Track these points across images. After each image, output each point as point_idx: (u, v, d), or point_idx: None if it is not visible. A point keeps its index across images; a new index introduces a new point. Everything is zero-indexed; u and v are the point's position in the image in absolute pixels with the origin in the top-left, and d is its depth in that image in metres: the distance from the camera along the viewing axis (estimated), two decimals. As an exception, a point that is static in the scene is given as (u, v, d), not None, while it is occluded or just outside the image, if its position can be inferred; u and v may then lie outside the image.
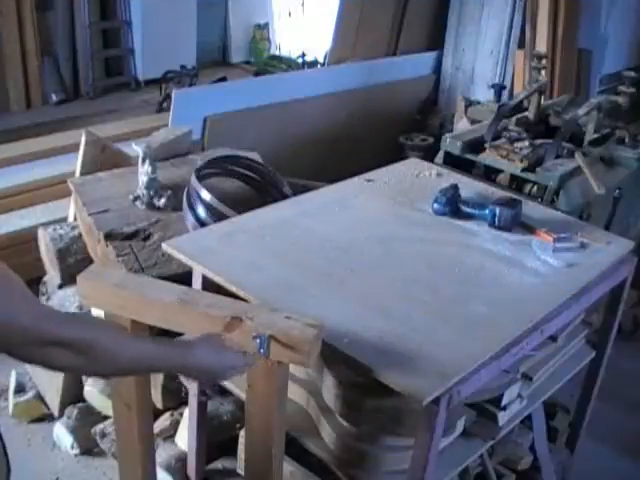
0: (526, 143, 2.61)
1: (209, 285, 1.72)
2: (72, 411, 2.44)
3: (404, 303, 1.61)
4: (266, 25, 6.84)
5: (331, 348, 1.45)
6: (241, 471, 1.86)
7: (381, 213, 2.05)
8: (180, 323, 1.48)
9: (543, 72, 3.05)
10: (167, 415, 2.27)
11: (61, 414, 2.48)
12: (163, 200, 2.46)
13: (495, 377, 1.58)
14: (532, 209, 2.12)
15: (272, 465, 1.51)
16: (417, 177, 2.32)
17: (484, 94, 4.41)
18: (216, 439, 2.14)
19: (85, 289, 1.53)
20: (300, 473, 1.77)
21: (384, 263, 1.78)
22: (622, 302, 2.01)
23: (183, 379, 2.04)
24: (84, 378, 2.45)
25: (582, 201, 2.50)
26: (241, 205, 2.14)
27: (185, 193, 2.33)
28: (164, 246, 1.82)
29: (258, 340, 1.35)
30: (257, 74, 5.72)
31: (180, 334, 1.94)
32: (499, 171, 2.62)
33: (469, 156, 2.66)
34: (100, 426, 2.35)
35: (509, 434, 1.93)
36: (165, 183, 2.52)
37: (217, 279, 1.68)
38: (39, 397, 2.57)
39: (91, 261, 2.42)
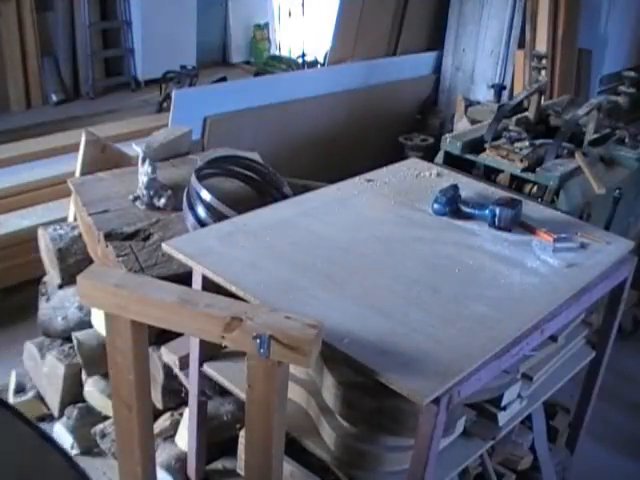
0: (526, 143, 2.61)
1: (209, 285, 1.72)
2: (72, 411, 2.44)
3: (404, 303, 1.61)
4: (266, 25, 6.84)
5: (331, 348, 1.45)
6: (241, 471, 1.86)
7: (381, 213, 2.05)
8: (180, 323, 1.48)
9: (543, 72, 3.06)
10: (167, 415, 2.27)
11: (61, 414, 2.48)
12: (163, 200, 2.46)
13: (495, 377, 1.58)
14: (532, 209, 2.12)
15: (272, 465, 1.51)
16: (417, 177, 2.32)
17: (484, 94, 4.42)
18: (216, 439, 2.14)
19: (85, 289, 1.53)
20: (300, 473, 1.77)
21: (384, 263, 1.78)
22: (622, 302, 2.00)
23: (184, 379, 2.05)
24: (84, 378, 2.46)
25: (582, 201, 2.50)
26: (241, 205, 2.14)
27: (185, 193, 2.33)
28: (164, 246, 1.82)
29: (258, 340, 1.35)
30: (257, 74, 5.72)
31: (180, 334, 1.95)
32: (499, 171, 2.62)
33: (469, 156, 2.66)
34: (100, 426, 2.35)
35: (509, 434, 1.93)
36: (165, 183, 2.52)
37: (217, 279, 1.68)
38: (39, 397, 2.57)
39: (91, 261, 2.42)
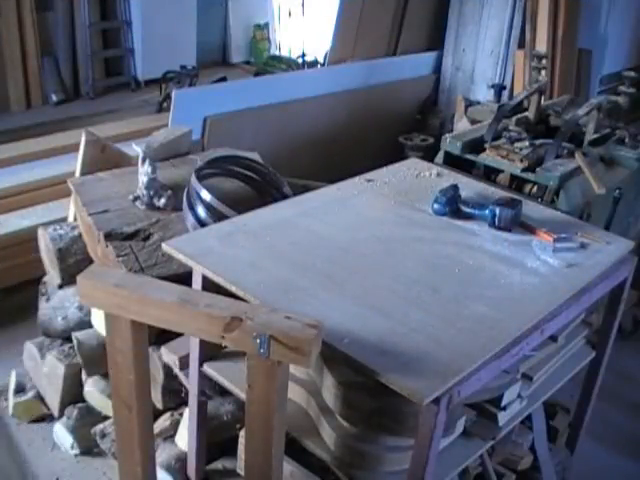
0: (526, 143, 2.61)
1: (209, 285, 1.72)
2: (72, 411, 2.44)
3: (404, 303, 1.61)
4: (266, 25, 6.84)
5: (331, 348, 1.45)
6: (241, 471, 1.86)
7: (381, 213, 2.05)
8: (180, 323, 1.48)
9: (543, 72, 3.05)
10: (167, 415, 2.27)
11: (61, 414, 2.48)
12: (163, 200, 2.46)
13: (495, 377, 1.58)
14: (532, 209, 2.12)
15: (272, 465, 1.51)
16: (417, 177, 2.33)
17: (484, 94, 4.41)
18: (216, 439, 2.14)
19: (85, 289, 1.53)
20: (300, 473, 1.77)
21: (384, 263, 1.78)
22: (622, 302, 2.00)
23: (184, 379, 2.05)
24: (84, 378, 2.45)
25: (582, 201, 2.50)
26: (241, 205, 2.14)
27: (185, 193, 2.33)
28: (164, 246, 1.82)
29: (258, 340, 1.35)
30: (257, 74, 5.72)
31: (180, 334, 1.95)
32: (499, 171, 2.62)
33: (469, 156, 2.66)
34: (100, 426, 2.35)
35: (509, 434, 1.93)
36: (165, 183, 2.52)
37: (217, 279, 1.68)
38: (39, 397, 2.57)
39: (91, 261, 2.42)
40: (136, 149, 2.54)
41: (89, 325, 2.42)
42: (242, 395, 1.66)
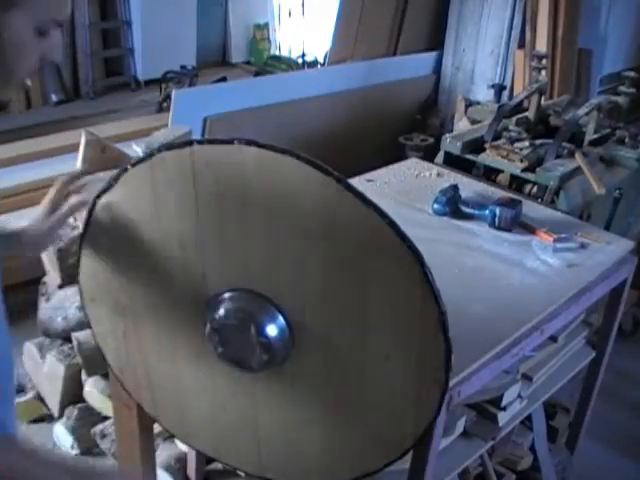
0: (526, 143, 2.61)
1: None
2: (72, 411, 2.44)
3: (404, 303, 1.61)
4: (266, 25, 6.85)
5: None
6: (241, 471, 1.85)
7: (381, 213, 2.04)
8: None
9: (543, 72, 3.05)
10: (167, 415, 2.27)
11: (61, 414, 2.48)
12: (163, 200, 2.45)
13: (495, 377, 1.58)
14: (532, 209, 2.12)
15: (272, 465, 1.51)
16: (417, 177, 2.32)
17: (484, 94, 4.41)
18: (216, 439, 2.14)
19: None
20: (300, 473, 1.77)
21: (384, 263, 1.77)
22: (622, 302, 2.00)
23: None
24: (84, 378, 2.45)
25: (582, 201, 2.50)
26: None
27: (185, 193, 2.32)
28: (164, 246, 1.82)
29: None
30: (257, 74, 5.73)
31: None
32: (499, 171, 2.61)
33: (469, 156, 2.66)
34: (100, 426, 2.35)
35: (509, 434, 1.93)
36: (165, 183, 2.52)
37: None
38: (39, 397, 2.57)
39: (91, 261, 2.42)
40: (136, 149, 2.54)
41: (89, 325, 2.42)
42: (242, 395, 1.66)
